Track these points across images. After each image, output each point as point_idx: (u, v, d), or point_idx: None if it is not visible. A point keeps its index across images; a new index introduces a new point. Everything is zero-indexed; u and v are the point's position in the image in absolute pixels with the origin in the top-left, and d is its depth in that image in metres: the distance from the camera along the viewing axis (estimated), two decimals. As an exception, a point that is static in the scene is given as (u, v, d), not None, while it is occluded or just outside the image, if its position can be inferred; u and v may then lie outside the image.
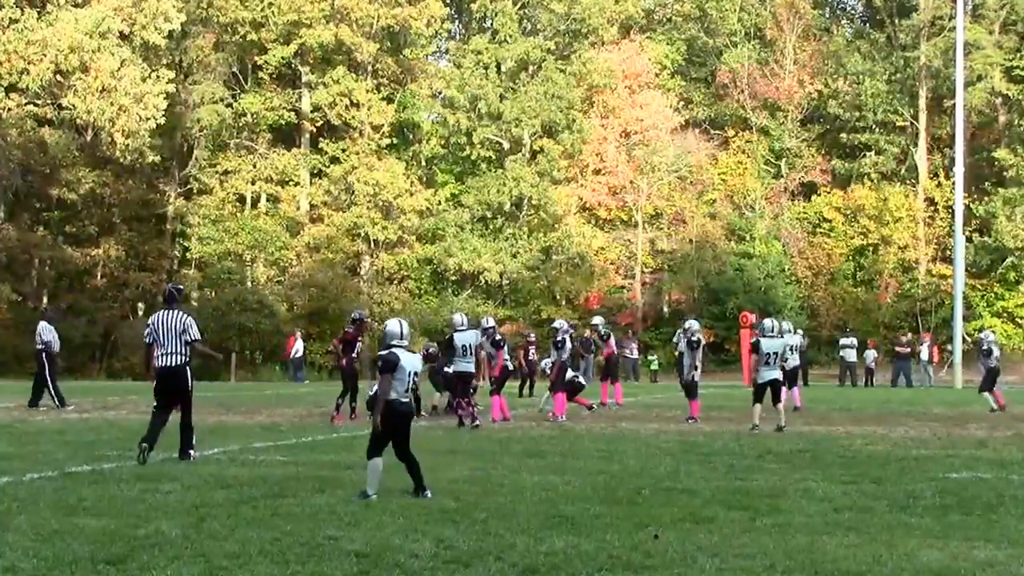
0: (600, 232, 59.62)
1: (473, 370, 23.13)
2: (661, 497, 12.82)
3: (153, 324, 16.25)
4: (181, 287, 17.37)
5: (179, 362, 16.23)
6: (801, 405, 28.51)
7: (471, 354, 23.13)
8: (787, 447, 18.51)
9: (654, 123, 59.40)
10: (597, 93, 60.05)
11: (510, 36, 59.52)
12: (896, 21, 61.57)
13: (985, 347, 29.70)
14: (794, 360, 28.41)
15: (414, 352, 13.84)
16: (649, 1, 65.86)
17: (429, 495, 12.88)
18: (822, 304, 58.79)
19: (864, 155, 61.23)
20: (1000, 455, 17.54)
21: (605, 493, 13.19)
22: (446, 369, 24.81)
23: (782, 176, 62.50)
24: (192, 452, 16.18)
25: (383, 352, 13.51)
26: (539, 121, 57.99)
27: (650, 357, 54.08)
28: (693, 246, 59.44)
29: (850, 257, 60.46)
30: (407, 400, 13.10)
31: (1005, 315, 57.17)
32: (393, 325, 13.40)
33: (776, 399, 22.21)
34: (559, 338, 25.70)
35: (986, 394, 28.71)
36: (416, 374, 13.27)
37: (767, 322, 22.82)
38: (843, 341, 46.97)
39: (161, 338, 16.14)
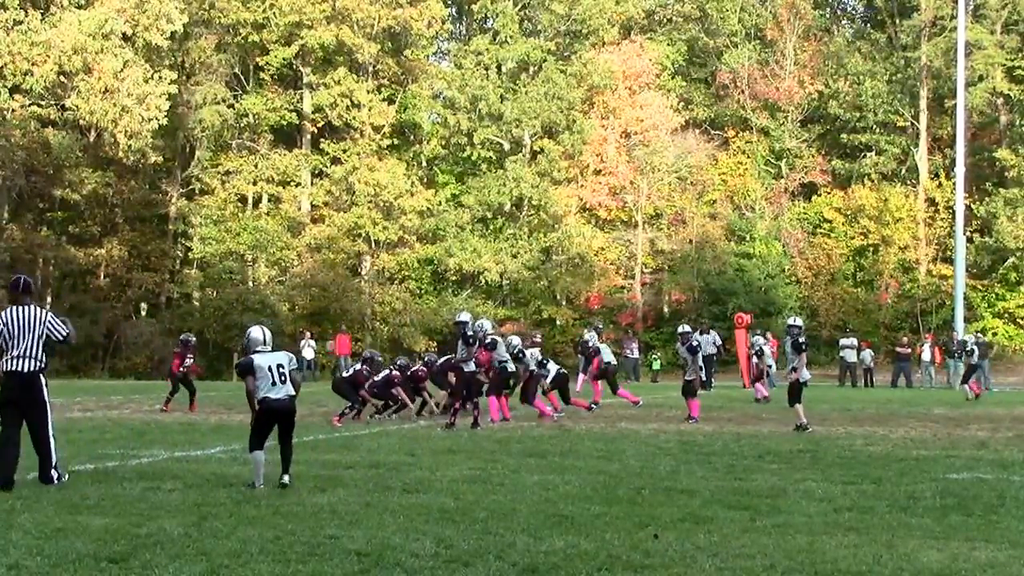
0: (600, 232, 59.67)
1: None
2: (661, 497, 12.91)
3: (3, 321, 13.47)
4: (30, 279, 14.06)
5: (32, 367, 13.51)
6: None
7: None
8: (787, 447, 18.58)
9: (654, 123, 59.39)
10: (597, 94, 60.03)
11: (511, 37, 59.61)
12: (897, 21, 61.63)
13: (969, 348, 31.85)
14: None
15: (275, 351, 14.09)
16: (650, 2, 65.78)
17: (287, 480, 13.50)
18: (822, 304, 58.71)
19: (864, 155, 61.35)
20: (1001, 456, 17.61)
21: (605, 493, 13.26)
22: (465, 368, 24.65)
23: (782, 176, 62.50)
24: (57, 473, 13.87)
25: (241, 359, 14.22)
26: (539, 122, 58.06)
27: (652, 356, 54.16)
28: (693, 246, 59.47)
29: (850, 257, 60.46)
30: (275, 394, 13.64)
31: (1006, 316, 57.13)
32: (256, 332, 14.10)
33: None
34: (516, 352, 25.67)
35: (965, 386, 30.53)
36: (281, 367, 13.69)
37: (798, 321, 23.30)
38: (843, 341, 47.03)
39: (14, 338, 13.41)
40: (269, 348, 14.03)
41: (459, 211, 59.27)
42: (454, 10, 67.85)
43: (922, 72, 60.45)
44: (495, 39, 60.79)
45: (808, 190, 63.26)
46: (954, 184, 51.80)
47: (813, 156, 62.39)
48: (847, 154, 62.74)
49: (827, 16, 68.84)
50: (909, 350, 46.03)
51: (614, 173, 59.35)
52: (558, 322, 58.88)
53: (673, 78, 63.80)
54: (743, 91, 61.99)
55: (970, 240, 54.82)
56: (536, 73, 59.75)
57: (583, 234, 58.25)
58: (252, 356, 13.89)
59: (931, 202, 59.38)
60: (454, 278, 59.73)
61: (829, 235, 60.76)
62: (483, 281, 58.28)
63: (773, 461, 16.62)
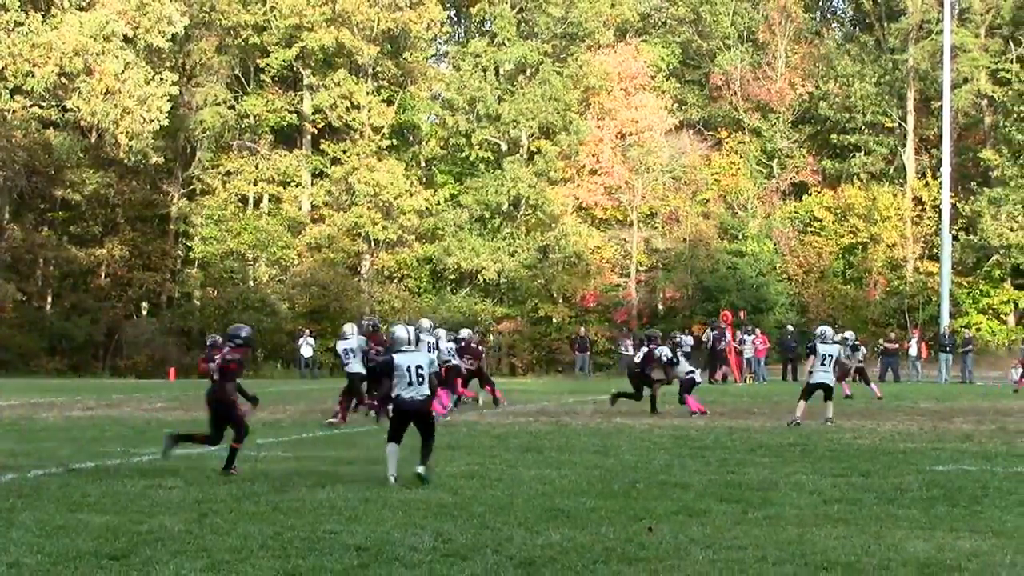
0: (596, 231, 59.92)
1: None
2: (655, 490, 13.12)
3: None
4: None
5: None
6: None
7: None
8: (778, 441, 18.89)
9: (649, 124, 59.69)
10: (593, 95, 60.47)
11: (508, 39, 60.02)
12: (885, 25, 62.00)
13: (851, 344, 31.69)
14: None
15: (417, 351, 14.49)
16: (644, 5, 66.17)
17: (421, 471, 13.74)
18: (812, 301, 59.20)
19: (854, 155, 61.70)
20: (985, 448, 17.96)
21: (601, 487, 13.48)
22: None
23: (774, 176, 62.92)
24: None
25: (382, 358, 14.70)
26: (536, 122, 58.50)
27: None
28: (687, 245, 59.84)
29: (840, 255, 60.88)
30: (409, 395, 13.97)
31: (990, 311, 57.71)
32: (401, 331, 14.50)
33: (828, 397, 23.17)
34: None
35: (873, 385, 30.81)
36: (420, 368, 13.96)
37: (826, 329, 24.08)
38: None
39: None
40: (413, 348, 14.36)
41: (457, 211, 59.59)
42: (452, 13, 68.20)
43: (909, 74, 60.93)
44: (493, 41, 61.11)
45: (799, 189, 63.59)
46: (940, 183, 52.65)
47: (804, 156, 62.75)
48: (837, 154, 63.07)
49: (817, 19, 69.32)
50: (897, 345, 46.58)
51: (610, 173, 59.60)
52: (554, 320, 59.39)
53: (667, 80, 64.01)
54: (736, 92, 62.37)
55: (955, 238, 55.27)
56: (533, 75, 60.07)
57: (579, 233, 58.53)
58: (393, 355, 14.24)
59: (918, 201, 59.88)
60: (452, 277, 59.94)
61: (819, 233, 61.10)
62: (481, 279, 58.58)
63: (764, 455, 16.86)
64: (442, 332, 27.64)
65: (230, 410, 15.10)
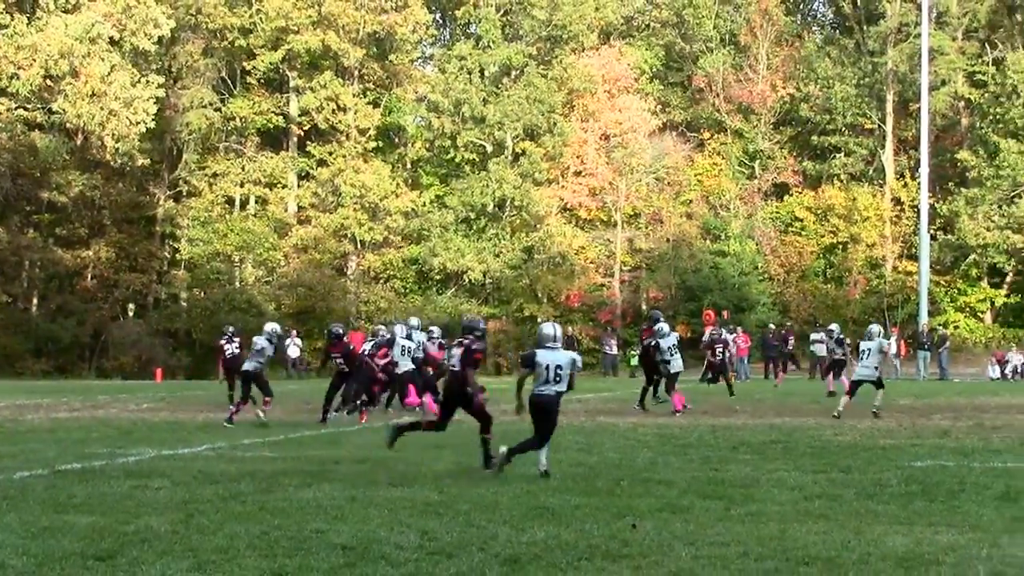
0: (580, 232, 60.25)
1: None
2: (639, 488, 13.11)
3: None
4: None
5: None
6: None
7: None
8: (760, 439, 18.92)
9: (632, 126, 59.96)
10: (577, 97, 60.77)
11: (493, 42, 60.39)
12: (864, 28, 62.40)
13: (835, 338, 32.00)
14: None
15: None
16: (628, 8, 66.40)
17: (543, 463, 14.24)
18: (793, 300, 59.67)
19: (834, 156, 62.02)
20: (962, 444, 18.03)
21: (585, 484, 13.47)
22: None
23: (755, 177, 63.32)
24: None
25: (527, 351, 15.03)
26: (521, 124, 58.83)
27: (631, 352, 55.15)
28: (670, 245, 60.04)
29: (820, 255, 61.40)
30: (542, 390, 14.38)
31: (967, 310, 58.23)
32: (547, 328, 14.87)
33: (879, 386, 24.06)
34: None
35: (836, 382, 30.74)
36: (560, 368, 14.31)
37: (872, 327, 25.01)
38: (814, 336, 47.66)
39: None
40: (558, 346, 14.58)
41: (443, 212, 59.72)
42: (438, 16, 68.30)
43: (888, 77, 61.32)
44: (478, 44, 61.48)
45: (780, 190, 63.88)
46: (919, 184, 53.18)
47: (785, 157, 63.04)
48: (817, 155, 63.38)
49: (798, 23, 69.43)
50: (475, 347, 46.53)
51: (594, 174, 59.89)
52: (539, 319, 59.56)
53: (651, 82, 64.28)
54: (718, 94, 62.65)
55: (934, 238, 55.87)
56: (518, 77, 60.38)
57: (564, 234, 58.80)
58: (537, 351, 14.53)
59: (897, 201, 60.44)
60: (438, 277, 60.15)
61: (800, 233, 61.55)
62: (466, 280, 58.81)
63: (747, 452, 16.89)
64: (436, 330, 28.20)
65: (471, 399, 15.28)
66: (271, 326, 24.51)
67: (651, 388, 26.93)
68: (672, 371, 25.76)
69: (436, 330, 28.66)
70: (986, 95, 58.81)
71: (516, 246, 59.23)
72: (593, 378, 49.29)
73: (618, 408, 27.77)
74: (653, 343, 26.12)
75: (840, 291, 59.98)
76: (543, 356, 14.40)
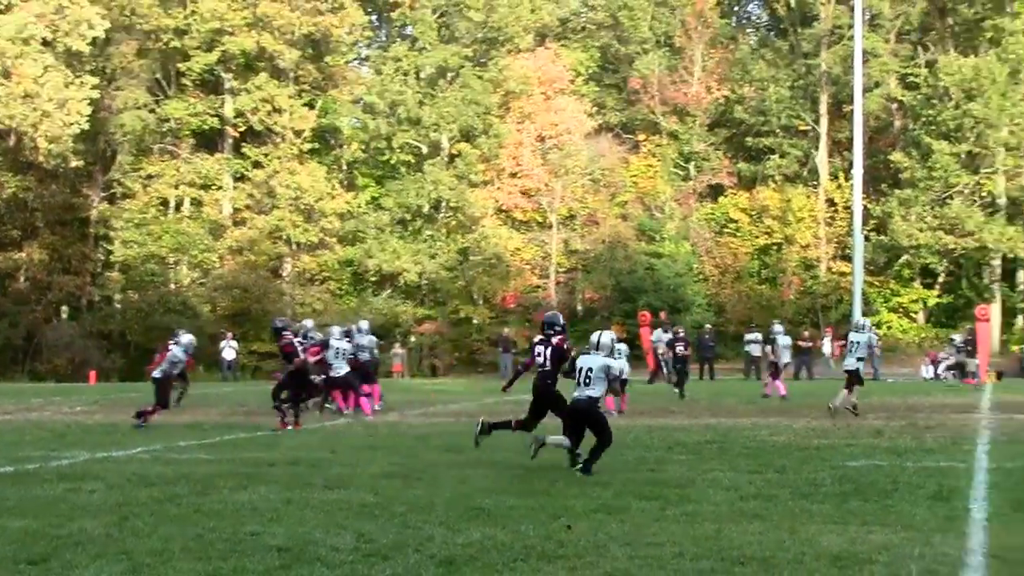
0: (516, 233, 60.41)
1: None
2: (574, 488, 13.17)
3: None
4: None
5: None
6: (786, 393, 30.42)
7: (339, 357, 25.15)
8: (695, 439, 19.00)
9: (568, 128, 60.19)
10: (513, 99, 60.90)
11: (429, 44, 60.36)
12: (798, 30, 62.81)
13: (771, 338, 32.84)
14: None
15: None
16: (564, 10, 66.67)
17: (580, 463, 14.68)
18: (728, 301, 59.92)
19: (768, 158, 62.31)
20: (895, 443, 18.15)
21: (520, 485, 13.53)
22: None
23: (690, 178, 63.54)
24: None
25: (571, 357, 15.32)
26: (457, 126, 58.95)
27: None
28: (605, 246, 60.19)
29: (755, 256, 61.71)
30: (576, 393, 14.80)
31: (900, 310, 58.75)
32: (594, 336, 15.15)
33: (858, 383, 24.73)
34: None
35: (777, 382, 31.26)
36: (591, 371, 14.66)
37: (859, 319, 26.78)
38: (748, 336, 47.96)
39: None
40: (601, 353, 14.92)
41: (379, 213, 59.75)
42: (374, 17, 68.03)
43: (822, 79, 61.77)
44: (414, 46, 61.43)
45: (715, 191, 64.10)
46: (852, 185, 53.49)
47: (720, 159, 63.27)
48: (752, 157, 63.67)
49: (733, 25, 69.77)
50: (810, 344, 47.18)
51: (529, 176, 60.04)
52: (475, 321, 59.74)
53: (586, 83, 64.42)
54: (653, 96, 62.72)
55: (867, 239, 56.12)
56: (454, 79, 60.35)
57: (499, 235, 58.97)
58: (575, 358, 15.19)
59: (831, 202, 60.89)
60: (374, 279, 59.98)
61: (735, 234, 61.83)
62: (402, 281, 58.72)
63: (682, 452, 16.93)
64: (365, 324, 28.37)
65: (561, 399, 15.58)
66: (189, 337, 24.65)
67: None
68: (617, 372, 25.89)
69: (364, 324, 28.74)
70: (918, 97, 59.28)
71: (452, 247, 59.29)
72: (529, 379, 49.34)
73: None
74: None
75: (774, 292, 60.29)
76: (580, 360, 14.90)
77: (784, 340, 33.13)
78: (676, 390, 32.70)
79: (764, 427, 21.54)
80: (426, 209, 59.65)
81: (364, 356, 26.84)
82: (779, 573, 8.78)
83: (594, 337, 15.11)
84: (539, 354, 15.90)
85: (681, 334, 36.79)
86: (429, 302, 60.15)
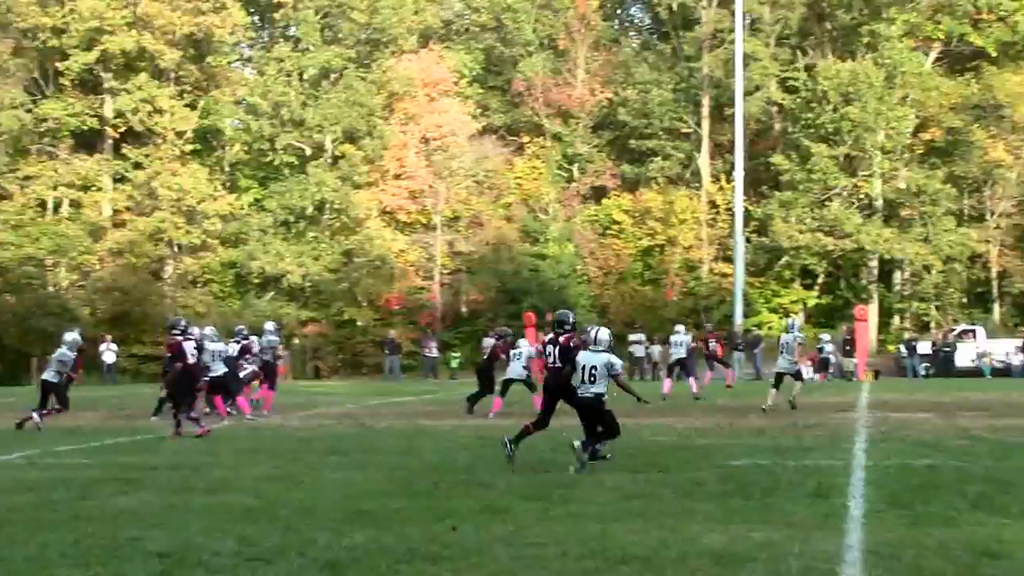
0: (400, 235, 60.24)
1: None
2: (459, 490, 13.23)
3: None
4: None
5: None
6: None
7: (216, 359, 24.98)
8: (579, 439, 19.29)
9: (452, 129, 60.15)
10: (397, 100, 60.70)
11: (312, 45, 60.01)
12: (680, 34, 63.39)
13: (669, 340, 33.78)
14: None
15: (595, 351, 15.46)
16: (447, 12, 66.75)
17: (599, 452, 15.29)
18: (612, 302, 60.25)
19: (651, 160, 62.62)
20: (776, 443, 18.42)
21: (405, 487, 13.49)
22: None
23: (574, 180, 63.86)
24: None
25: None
26: (341, 127, 58.69)
27: (451, 355, 55.44)
28: (490, 248, 60.38)
29: (638, 257, 62.08)
30: (580, 391, 15.24)
31: (781, 310, 59.49)
32: (593, 331, 15.67)
33: (797, 378, 26.25)
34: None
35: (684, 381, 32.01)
36: (595, 368, 15.00)
37: (794, 321, 28.24)
38: (632, 337, 48.50)
39: None
40: (599, 348, 15.29)
41: (262, 215, 59.33)
42: (256, 18, 67.36)
43: (704, 82, 62.34)
44: (297, 46, 61.07)
45: (598, 193, 64.44)
46: (734, 187, 54.29)
47: (603, 161, 63.70)
48: (635, 159, 63.90)
49: (615, 28, 70.33)
50: (693, 344, 47.62)
51: (414, 177, 59.88)
52: (359, 323, 59.53)
53: (471, 85, 64.38)
54: (537, 98, 62.93)
55: (748, 240, 56.90)
56: (337, 80, 60.04)
57: (383, 237, 58.77)
58: (581, 352, 15.45)
59: (712, 204, 61.51)
60: (257, 281, 59.40)
61: (618, 236, 62.18)
62: (286, 283, 58.23)
63: (567, 453, 16.36)
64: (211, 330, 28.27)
65: (575, 392, 15.68)
66: (72, 335, 24.35)
67: (483, 394, 26.88)
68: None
69: (271, 325, 28.77)
70: (798, 101, 60.15)
71: (336, 249, 58.93)
72: (413, 381, 49.44)
73: (438, 411, 27.87)
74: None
75: (657, 293, 60.72)
76: (582, 357, 15.32)
77: (681, 339, 33.41)
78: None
79: (646, 427, 21.58)
80: (310, 211, 59.21)
81: (267, 357, 26.90)
82: (662, 572, 8.87)
83: (592, 332, 15.58)
84: (549, 353, 16.29)
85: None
86: (313, 304, 59.60)
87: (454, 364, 54.30)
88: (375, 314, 59.05)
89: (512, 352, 26.47)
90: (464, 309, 60.97)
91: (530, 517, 11.27)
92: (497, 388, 26.39)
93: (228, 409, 25.46)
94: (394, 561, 9.29)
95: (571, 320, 16.72)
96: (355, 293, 59.31)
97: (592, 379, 15.12)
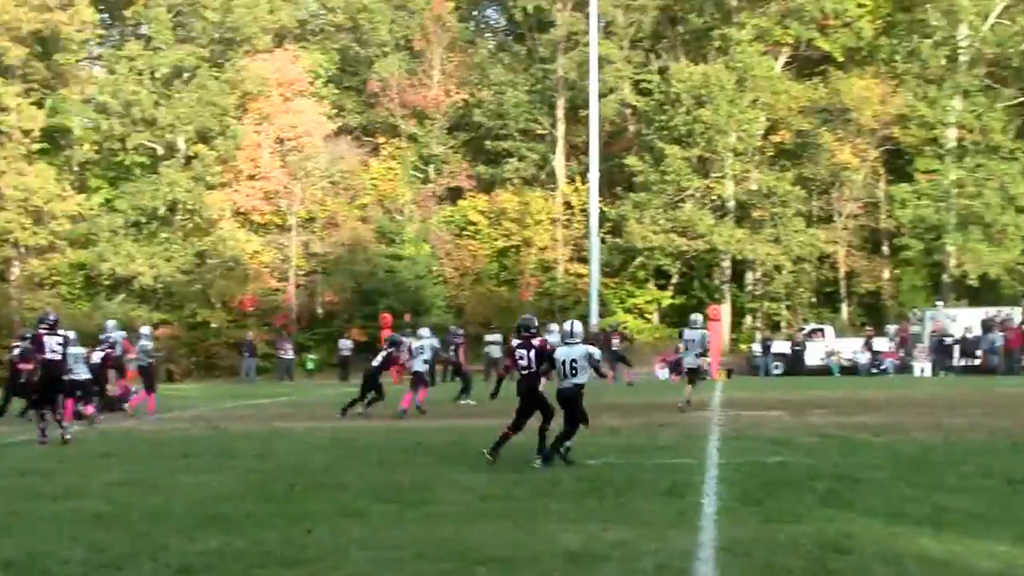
0: (255, 236, 59.67)
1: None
2: (314, 493, 13.22)
3: None
4: None
5: None
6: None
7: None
8: (437, 441, 19.28)
9: (307, 130, 59.69)
10: (251, 100, 60.09)
11: (165, 43, 59.08)
12: (535, 35, 63.75)
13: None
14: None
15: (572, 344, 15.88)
16: (302, 12, 66.31)
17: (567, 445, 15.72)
18: (468, 303, 60.49)
19: (507, 161, 62.97)
20: (630, 442, 18.59)
21: (260, 491, 13.49)
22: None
23: (430, 181, 63.80)
24: None
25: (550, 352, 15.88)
26: (194, 127, 57.96)
27: (307, 357, 55.11)
28: (345, 249, 60.04)
29: (494, 258, 62.42)
30: (563, 385, 15.68)
31: (636, 311, 60.44)
32: (567, 325, 16.27)
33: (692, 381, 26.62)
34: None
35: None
36: (575, 362, 15.54)
37: (696, 317, 27.86)
38: (488, 338, 48.56)
39: None
40: (576, 341, 15.60)
41: (112, 216, 58.24)
42: (106, 15, 65.92)
43: (559, 83, 62.76)
44: (148, 45, 59.98)
45: (454, 194, 64.54)
46: (588, 188, 54.70)
47: (459, 162, 63.80)
48: (490, 160, 64.12)
49: (471, 29, 70.50)
50: (550, 346, 47.79)
51: (268, 178, 59.33)
52: (213, 325, 58.84)
53: (326, 85, 63.93)
54: (393, 99, 62.81)
55: (603, 241, 57.28)
56: (190, 79, 59.32)
57: (237, 238, 58.21)
58: (558, 348, 15.77)
59: (568, 205, 61.97)
60: (107, 283, 58.40)
61: (474, 237, 62.42)
62: (137, 285, 57.35)
63: (423, 454, 17.18)
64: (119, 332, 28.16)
65: (543, 399, 16.32)
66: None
67: (362, 399, 26.66)
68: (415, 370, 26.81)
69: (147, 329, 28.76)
70: (651, 103, 60.82)
71: (188, 251, 58.21)
72: (268, 383, 49.07)
73: (293, 413, 27.76)
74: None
75: (513, 293, 61.04)
76: (560, 353, 15.68)
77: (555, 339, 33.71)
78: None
79: (500, 428, 21.60)
80: (162, 211, 58.40)
81: (143, 362, 26.84)
82: (518, 572, 8.95)
83: (567, 326, 16.15)
84: (521, 357, 16.41)
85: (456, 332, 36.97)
86: (165, 306, 58.80)
87: (311, 366, 53.96)
88: (229, 316, 58.45)
89: (414, 347, 26.94)
90: (320, 310, 60.64)
91: (386, 519, 11.29)
92: (406, 385, 27.09)
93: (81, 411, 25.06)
94: (248, 565, 9.25)
95: (536, 324, 17.14)
96: (208, 295, 58.60)
97: (574, 372, 15.66)
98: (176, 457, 17.46)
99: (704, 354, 27.88)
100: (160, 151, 59.42)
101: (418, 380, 26.65)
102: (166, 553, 9.72)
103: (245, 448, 18.53)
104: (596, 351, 16.35)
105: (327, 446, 18.79)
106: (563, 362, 15.63)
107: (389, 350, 27.38)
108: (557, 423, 16.21)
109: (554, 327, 34.07)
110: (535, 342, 16.43)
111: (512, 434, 16.30)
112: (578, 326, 16.20)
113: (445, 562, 9.24)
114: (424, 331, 28.50)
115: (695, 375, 26.90)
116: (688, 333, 27.06)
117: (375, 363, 26.79)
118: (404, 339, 30.71)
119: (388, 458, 16.70)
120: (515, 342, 17.06)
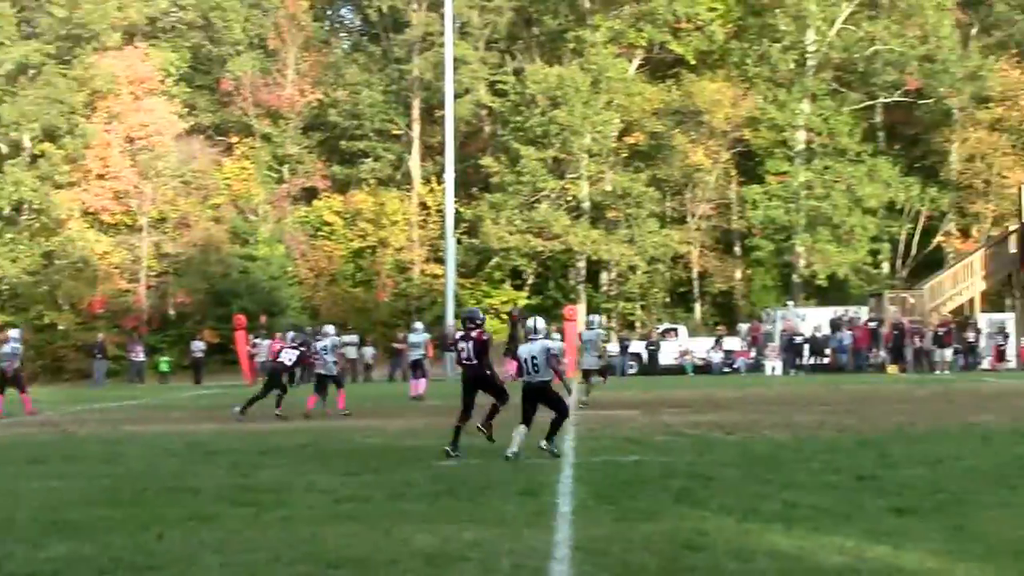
0: (104, 236, 58.62)
1: None
2: (166, 497, 12.93)
3: None
4: None
5: None
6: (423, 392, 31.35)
7: None
8: (291, 442, 19.04)
9: (159, 129, 58.90)
10: (100, 98, 59.05)
11: (8, 39, 57.81)
12: (390, 36, 63.72)
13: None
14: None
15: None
16: (153, 8, 65.30)
17: (544, 445, 15.91)
18: (323, 304, 60.24)
19: (362, 161, 62.97)
20: (486, 442, 18.01)
21: (109, 495, 13.12)
22: None
23: (284, 181, 63.52)
24: None
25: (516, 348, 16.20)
26: (39, 125, 56.88)
27: (160, 359, 54.33)
28: (198, 249, 59.33)
29: (349, 259, 62.22)
30: (529, 380, 15.79)
31: (492, 311, 60.56)
32: (531, 322, 16.33)
33: (602, 375, 27.90)
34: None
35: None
36: (535, 358, 15.64)
37: (594, 317, 29.04)
38: (344, 339, 48.31)
39: None
40: (538, 337, 15.66)
41: (-46, 216, 57.26)
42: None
43: (414, 84, 62.82)
44: (-9, 40, 59.11)
45: (309, 194, 64.30)
46: (444, 189, 54.80)
47: (314, 162, 63.63)
48: (346, 160, 64.07)
49: (326, 28, 70.37)
50: (403, 346, 47.90)
51: (118, 177, 58.35)
52: (60, 327, 57.73)
53: (177, 84, 63.19)
54: (246, 98, 62.37)
55: (459, 241, 57.35)
56: (36, 76, 58.24)
57: (86, 238, 57.30)
58: (520, 347, 16.21)
59: (424, 206, 62.08)
60: (-52, 285, 57.42)
61: (329, 237, 62.23)
62: (-19, 286, 56.29)
63: (277, 457, 16.93)
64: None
65: (492, 381, 16.96)
66: None
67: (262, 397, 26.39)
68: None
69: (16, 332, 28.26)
70: (507, 104, 61.24)
71: (35, 251, 57.27)
72: (119, 386, 48.33)
73: (144, 416, 27.38)
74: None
75: (369, 294, 61.02)
76: (521, 350, 16.01)
77: (419, 339, 33.86)
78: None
79: (358, 429, 21.74)
80: (7, 211, 57.49)
81: (5, 364, 26.43)
82: (375, 574, 8.85)
83: (529, 323, 16.25)
84: (463, 349, 16.88)
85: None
86: (10, 308, 57.70)
87: (165, 368, 53.21)
88: (77, 318, 57.41)
89: (320, 347, 26.67)
90: (172, 312, 59.83)
91: (240, 523, 11.08)
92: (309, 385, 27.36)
93: None
94: (96, 572, 9.02)
95: (480, 316, 17.66)
96: (56, 296, 57.74)
97: (536, 368, 15.72)
98: (22, 463, 17.00)
99: (601, 356, 28.16)
100: (5, 149, 58.38)
101: (335, 382, 26.64)
102: (9, 561, 9.41)
103: (94, 452, 18.14)
104: (555, 345, 16.89)
105: (179, 450, 18.46)
106: (524, 359, 15.86)
107: (301, 349, 27.18)
108: (513, 412, 16.49)
109: (420, 325, 34.48)
110: (473, 334, 16.79)
111: (462, 425, 16.74)
112: (541, 323, 16.37)
113: (300, 565, 9.09)
114: (329, 328, 28.17)
115: (590, 376, 27.19)
116: (586, 334, 27.78)
117: (286, 362, 26.49)
118: (307, 338, 30.54)
119: (243, 460, 16.40)
120: (458, 334, 17.40)
